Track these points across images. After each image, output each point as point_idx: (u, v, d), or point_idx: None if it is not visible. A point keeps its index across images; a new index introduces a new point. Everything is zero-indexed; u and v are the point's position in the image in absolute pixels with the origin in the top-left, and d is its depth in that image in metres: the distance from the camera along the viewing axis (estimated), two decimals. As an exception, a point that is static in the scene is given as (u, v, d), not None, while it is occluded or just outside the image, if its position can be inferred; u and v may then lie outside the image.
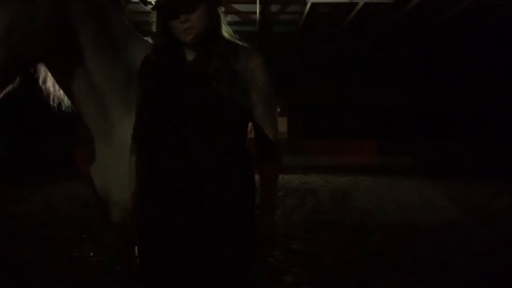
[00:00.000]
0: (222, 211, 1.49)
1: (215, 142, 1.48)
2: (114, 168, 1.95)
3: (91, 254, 4.20)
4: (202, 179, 1.47)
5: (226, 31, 1.56)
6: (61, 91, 1.95)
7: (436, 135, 14.19)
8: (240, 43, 1.58)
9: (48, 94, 1.98)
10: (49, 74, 1.89)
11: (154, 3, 1.52)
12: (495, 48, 14.68)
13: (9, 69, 1.55)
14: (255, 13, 13.79)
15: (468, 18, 13.60)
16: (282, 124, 16.10)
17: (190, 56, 1.52)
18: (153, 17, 1.54)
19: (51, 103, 2.00)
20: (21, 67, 1.67)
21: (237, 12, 14.15)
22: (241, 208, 1.53)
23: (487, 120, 14.73)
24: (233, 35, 1.59)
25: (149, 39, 2.18)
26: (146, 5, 1.67)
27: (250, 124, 1.59)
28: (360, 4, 12.40)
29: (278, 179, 1.64)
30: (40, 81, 1.95)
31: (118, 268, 2.34)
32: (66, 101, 1.99)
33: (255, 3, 12.87)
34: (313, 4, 12.55)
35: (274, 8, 14.19)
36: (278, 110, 18.51)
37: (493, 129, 14.31)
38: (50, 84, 1.96)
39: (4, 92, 1.66)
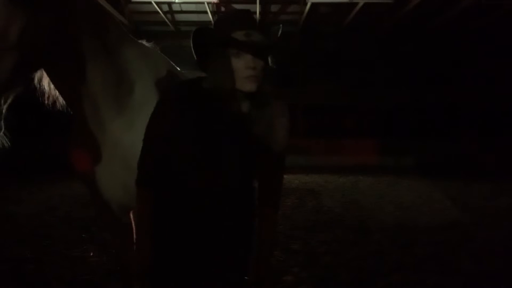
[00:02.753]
0: (234, 245, 1.52)
1: (233, 181, 1.49)
2: (107, 166, 1.99)
3: (91, 254, 4.20)
4: (215, 213, 1.49)
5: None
6: (56, 91, 1.98)
7: (436, 135, 14.18)
8: (271, 97, 1.54)
9: (43, 93, 2.01)
10: (45, 74, 1.93)
11: (231, 38, 1.34)
12: (495, 48, 14.66)
13: (19, 72, 1.60)
14: (255, 13, 13.77)
15: (468, 18, 13.59)
16: (282, 124, 16.07)
17: (227, 97, 1.45)
18: (214, 50, 1.40)
19: (46, 101, 2.03)
20: (28, 70, 1.72)
21: (237, 12, 14.14)
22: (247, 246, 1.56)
23: (487, 120, 14.71)
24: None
25: (144, 42, 2.25)
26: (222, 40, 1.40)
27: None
28: (360, 4, 12.38)
29: (276, 228, 1.65)
30: (36, 80, 1.98)
31: (118, 268, 2.34)
32: (61, 100, 2.03)
33: (255, 3, 12.86)
34: (313, 4, 12.53)
35: (274, 8, 14.18)
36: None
37: (493, 129, 14.29)
38: (46, 83, 2.00)
39: (13, 94, 1.69)
